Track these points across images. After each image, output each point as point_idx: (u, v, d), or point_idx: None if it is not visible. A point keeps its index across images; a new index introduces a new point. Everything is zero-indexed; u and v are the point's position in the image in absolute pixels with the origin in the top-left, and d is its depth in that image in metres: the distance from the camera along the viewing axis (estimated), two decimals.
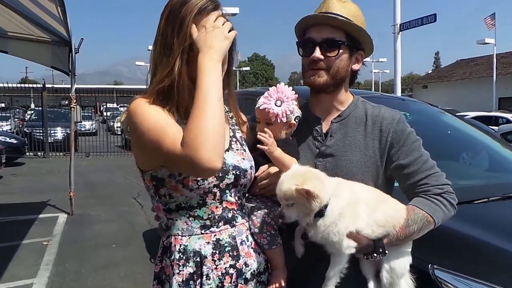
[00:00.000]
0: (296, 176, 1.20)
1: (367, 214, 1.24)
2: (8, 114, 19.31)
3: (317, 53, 1.36)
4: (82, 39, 5.93)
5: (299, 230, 1.32)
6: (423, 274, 1.43)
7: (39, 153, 13.63)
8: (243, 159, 1.29)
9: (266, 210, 1.33)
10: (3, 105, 23.97)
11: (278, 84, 1.37)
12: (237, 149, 1.30)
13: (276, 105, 1.33)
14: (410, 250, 1.35)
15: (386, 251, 1.26)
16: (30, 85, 22.73)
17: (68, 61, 5.72)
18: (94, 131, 18.86)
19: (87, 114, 21.25)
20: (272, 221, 1.31)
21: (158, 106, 1.15)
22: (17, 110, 25.01)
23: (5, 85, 14.98)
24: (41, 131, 13.75)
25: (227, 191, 1.25)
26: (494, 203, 2.03)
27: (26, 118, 18.95)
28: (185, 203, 1.22)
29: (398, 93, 8.68)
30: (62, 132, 14.13)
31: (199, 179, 1.17)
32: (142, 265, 4.33)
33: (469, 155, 2.99)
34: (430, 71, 42.53)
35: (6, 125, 17.21)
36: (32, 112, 19.63)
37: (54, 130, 14.06)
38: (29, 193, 7.76)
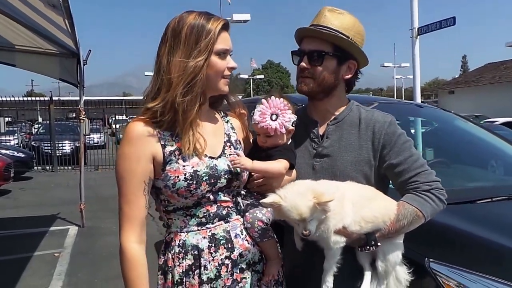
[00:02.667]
0: (303, 193, 1.32)
1: (354, 211, 1.42)
2: (15, 128, 19.98)
3: (304, 62, 1.56)
4: (90, 50, 6.11)
5: (298, 238, 1.49)
6: (419, 267, 1.61)
7: (47, 167, 14.08)
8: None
9: (259, 206, 1.47)
10: (9, 119, 24.77)
11: (268, 99, 1.49)
12: (230, 154, 1.45)
13: (272, 120, 1.46)
14: (401, 241, 1.54)
15: (379, 243, 1.44)
16: (37, 98, 23.33)
17: (76, 73, 5.94)
18: (102, 144, 19.34)
19: (95, 126, 21.78)
20: (263, 216, 1.46)
21: (143, 138, 1.34)
22: (23, 124, 25.79)
23: (11, 98, 15.40)
24: (49, 144, 14.23)
25: (220, 192, 1.41)
26: (497, 203, 2.20)
27: (33, 132, 19.55)
28: (182, 206, 1.40)
29: (418, 99, 8.60)
30: (70, 145, 14.58)
31: (191, 188, 1.34)
32: (154, 275, 4.52)
33: (479, 159, 3.15)
34: (457, 76, 42.06)
35: (13, 139, 17.81)
36: (40, 125, 20.25)
37: (62, 143, 14.55)
38: (38, 207, 8.14)
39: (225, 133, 1.51)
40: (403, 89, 50.24)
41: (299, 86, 1.60)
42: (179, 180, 1.34)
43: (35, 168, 13.46)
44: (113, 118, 25.69)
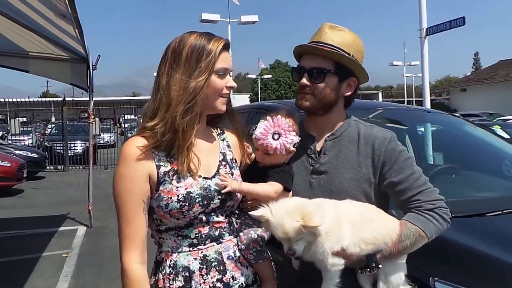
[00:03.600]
0: (291, 212, 1.28)
1: (353, 232, 1.35)
2: (30, 129, 20.31)
3: (305, 80, 1.53)
4: (99, 55, 6.24)
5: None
6: (423, 286, 1.53)
7: (59, 167, 14.27)
8: None
9: (254, 227, 1.43)
10: (24, 119, 25.19)
11: (273, 117, 1.45)
12: (225, 173, 1.42)
13: (273, 139, 1.42)
14: (404, 261, 1.46)
15: (380, 265, 1.37)
16: (51, 99, 23.71)
17: (86, 77, 6.08)
18: (113, 143, 19.53)
19: (106, 126, 21.96)
20: (258, 237, 1.41)
21: (141, 158, 1.32)
22: (38, 124, 26.21)
23: (27, 99, 15.79)
24: (61, 144, 14.42)
25: (213, 213, 1.39)
26: (508, 215, 2.08)
27: (47, 132, 19.85)
28: (174, 226, 1.37)
29: (427, 99, 8.58)
30: (81, 146, 14.75)
31: (184, 210, 1.32)
32: None
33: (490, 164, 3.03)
34: (468, 74, 41.48)
35: (28, 139, 18.09)
36: (53, 126, 20.55)
37: (74, 143, 14.72)
38: (49, 207, 8.24)
39: (220, 152, 1.48)
40: (413, 87, 49.80)
41: (300, 102, 1.56)
42: (172, 202, 1.32)
43: (48, 167, 13.63)
44: (123, 118, 25.85)
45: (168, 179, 1.33)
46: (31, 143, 17.63)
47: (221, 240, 1.40)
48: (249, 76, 56.64)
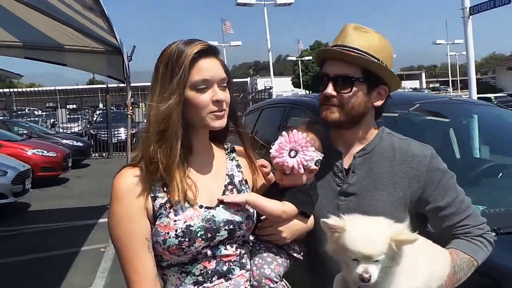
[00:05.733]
0: (381, 224, 1.12)
1: (428, 265, 1.19)
2: (78, 116, 21.27)
3: (330, 89, 1.36)
4: (134, 46, 6.11)
5: (340, 285, 1.24)
6: None
7: (104, 154, 14.78)
8: (237, 210, 1.25)
9: (269, 259, 1.28)
10: (74, 106, 26.48)
11: (289, 132, 1.32)
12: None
13: (290, 157, 1.29)
14: None
15: None
16: (98, 86, 24.65)
17: (122, 69, 6.02)
18: None
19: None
20: (272, 272, 1.27)
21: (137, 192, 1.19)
22: (87, 110, 27.42)
23: (75, 87, 16.44)
24: (105, 132, 14.90)
25: (221, 246, 1.23)
26: None
27: (93, 119, 20.68)
28: (176, 262, 1.23)
29: (473, 80, 8.12)
30: (125, 132, 15.15)
31: (183, 246, 1.17)
32: None
33: None
34: None
35: (77, 126, 18.94)
36: (99, 113, 21.37)
37: (118, 130, 15.15)
38: (90, 197, 8.42)
39: (227, 174, 1.33)
40: (457, 66, 47.13)
41: (324, 114, 1.40)
42: (170, 237, 1.18)
43: (93, 155, 14.14)
44: None
45: (164, 211, 1.19)
46: (79, 130, 18.46)
47: (230, 276, 1.24)
48: (289, 58, 55.67)
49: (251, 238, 1.33)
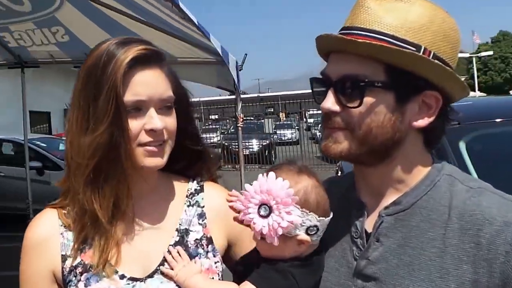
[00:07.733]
0: None
1: None
2: (217, 126, 22.66)
3: (329, 102, 0.86)
4: (246, 54, 6.05)
5: None
6: None
7: (237, 166, 15.07)
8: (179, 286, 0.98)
9: None
10: (216, 116, 28.51)
11: (261, 175, 0.90)
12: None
13: (259, 215, 0.88)
14: None
15: None
16: (233, 97, 26.22)
17: (232, 79, 6.06)
18: (295, 139, 19.72)
19: (287, 123, 22.51)
20: None
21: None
22: (227, 121, 29.22)
23: (217, 97, 17.47)
24: (237, 143, 15.23)
25: None
26: None
27: (227, 131, 21.75)
28: None
29: None
30: (257, 144, 15.23)
31: None
32: None
33: None
34: None
35: (215, 137, 20.04)
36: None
37: (249, 142, 15.31)
38: None
39: (177, 230, 1.02)
40: None
41: (324, 144, 0.90)
42: None
43: (225, 166, 14.50)
44: (308, 112, 26.21)
45: (74, 279, 0.96)
46: (218, 141, 19.47)
47: None
48: (461, 55, 47.38)
49: None
